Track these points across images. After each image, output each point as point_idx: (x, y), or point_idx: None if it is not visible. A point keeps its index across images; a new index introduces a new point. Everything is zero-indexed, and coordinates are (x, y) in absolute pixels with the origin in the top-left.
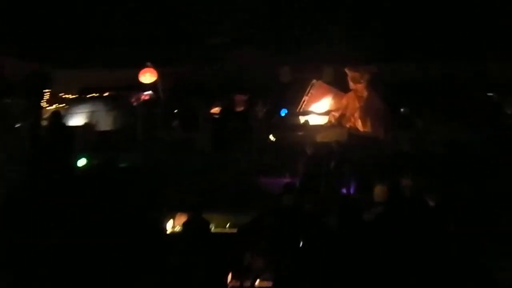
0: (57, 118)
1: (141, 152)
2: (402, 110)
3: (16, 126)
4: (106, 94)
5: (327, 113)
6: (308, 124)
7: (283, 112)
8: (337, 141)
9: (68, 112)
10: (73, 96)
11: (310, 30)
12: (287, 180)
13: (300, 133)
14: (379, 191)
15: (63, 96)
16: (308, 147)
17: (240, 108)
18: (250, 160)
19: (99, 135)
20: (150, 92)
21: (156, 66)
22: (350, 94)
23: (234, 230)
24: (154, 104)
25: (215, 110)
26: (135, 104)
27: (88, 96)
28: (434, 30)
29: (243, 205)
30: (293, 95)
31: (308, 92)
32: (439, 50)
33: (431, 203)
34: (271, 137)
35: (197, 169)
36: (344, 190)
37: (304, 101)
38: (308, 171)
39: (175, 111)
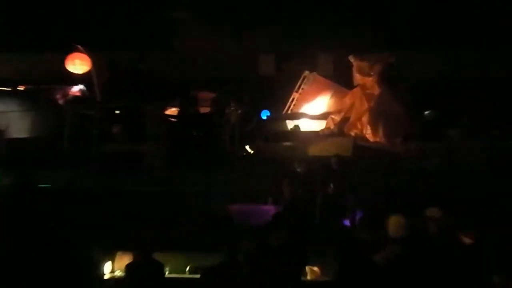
0: None
1: (68, 169)
2: (427, 113)
3: None
4: (21, 88)
5: (324, 116)
6: (299, 131)
7: (264, 115)
8: (337, 155)
9: None
10: None
11: (301, 7)
12: (269, 208)
13: (287, 144)
14: (395, 224)
15: None
16: (298, 163)
17: (205, 109)
18: (219, 180)
19: (10, 144)
20: (81, 86)
21: (88, 51)
22: (356, 91)
23: (197, 276)
24: (86, 103)
25: (171, 111)
26: (61, 102)
27: None
28: (470, 10)
29: (209, 242)
30: (278, 92)
31: (299, 88)
32: (477, 35)
33: (468, 243)
34: (248, 149)
35: (146, 193)
36: (346, 223)
37: (293, 100)
38: (298, 197)
39: (116, 112)
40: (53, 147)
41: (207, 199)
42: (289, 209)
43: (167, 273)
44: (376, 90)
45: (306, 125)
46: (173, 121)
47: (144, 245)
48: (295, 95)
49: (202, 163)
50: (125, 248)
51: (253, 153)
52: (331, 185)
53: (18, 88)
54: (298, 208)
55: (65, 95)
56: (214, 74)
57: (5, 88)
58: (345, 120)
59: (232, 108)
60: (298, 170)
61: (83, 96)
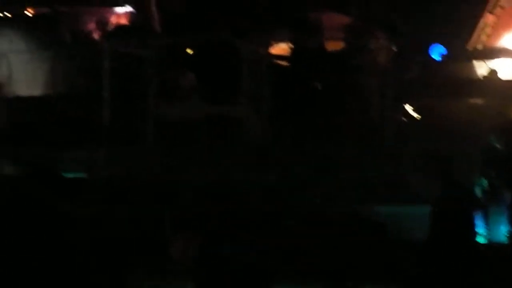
0: None
1: (110, 148)
2: None
3: None
4: (29, 12)
5: None
6: (497, 79)
7: (436, 53)
8: None
9: None
10: None
11: None
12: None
13: (476, 101)
14: None
15: None
16: (495, 133)
17: (334, 44)
18: (357, 163)
19: (14, 107)
20: (128, 9)
21: None
22: None
23: None
24: (138, 37)
25: (279, 49)
26: (95, 36)
27: None
28: None
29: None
30: (457, 14)
31: (496, 6)
32: None
33: None
34: (409, 110)
35: (238, 184)
36: None
37: (485, 27)
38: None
39: (188, 52)
40: (85, 111)
41: (336, 193)
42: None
43: None
44: None
45: (510, 70)
46: (283, 65)
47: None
48: (488, 18)
49: (329, 134)
50: None
51: (417, 117)
52: None
53: (24, 12)
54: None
55: (103, 23)
56: None
57: (1, 13)
58: None
59: (381, 42)
60: (497, 145)
61: (132, 25)
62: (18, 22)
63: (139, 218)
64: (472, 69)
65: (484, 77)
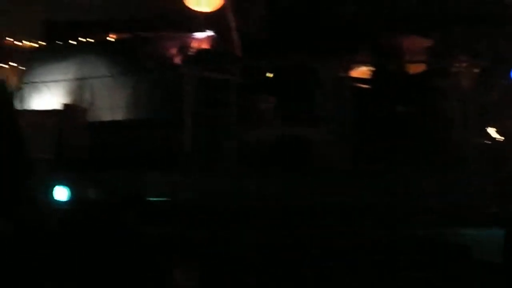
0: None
1: (193, 173)
2: None
3: None
4: (110, 37)
5: None
6: None
7: None
8: None
9: (24, 80)
10: (36, 45)
11: None
12: None
13: None
14: None
15: (15, 44)
16: None
17: (416, 68)
18: (443, 189)
19: (97, 133)
20: (209, 32)
21: None
22: None
23: None
24: (221, 62)
25: (358, 72)
26: (178, 60)
27: (68, 42)
28: None
29: None
30: None
31: None
32: None
33: None
34: (493, 133)
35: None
36: None
37: None
38: None
39: (268, 76)
40: (166, 136)
41: (419, 217)
42: None
43: None
44: None
45: None
46: (362, 88)
47: None
48: None
49: (410, 157)
50: None
51: (503, 140)
52: None
53: (107, 39)
54: None
55: (184, 48)
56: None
57: (85, 39)
58: None
59: (463, 65)
60: None
61: (212, 50)
62: (101, 48)
63: (217, 241)
64: None
65: None
